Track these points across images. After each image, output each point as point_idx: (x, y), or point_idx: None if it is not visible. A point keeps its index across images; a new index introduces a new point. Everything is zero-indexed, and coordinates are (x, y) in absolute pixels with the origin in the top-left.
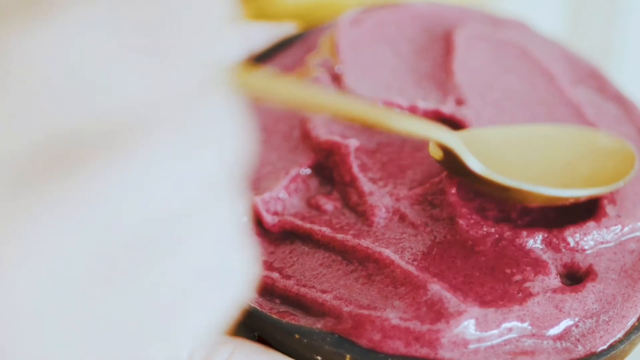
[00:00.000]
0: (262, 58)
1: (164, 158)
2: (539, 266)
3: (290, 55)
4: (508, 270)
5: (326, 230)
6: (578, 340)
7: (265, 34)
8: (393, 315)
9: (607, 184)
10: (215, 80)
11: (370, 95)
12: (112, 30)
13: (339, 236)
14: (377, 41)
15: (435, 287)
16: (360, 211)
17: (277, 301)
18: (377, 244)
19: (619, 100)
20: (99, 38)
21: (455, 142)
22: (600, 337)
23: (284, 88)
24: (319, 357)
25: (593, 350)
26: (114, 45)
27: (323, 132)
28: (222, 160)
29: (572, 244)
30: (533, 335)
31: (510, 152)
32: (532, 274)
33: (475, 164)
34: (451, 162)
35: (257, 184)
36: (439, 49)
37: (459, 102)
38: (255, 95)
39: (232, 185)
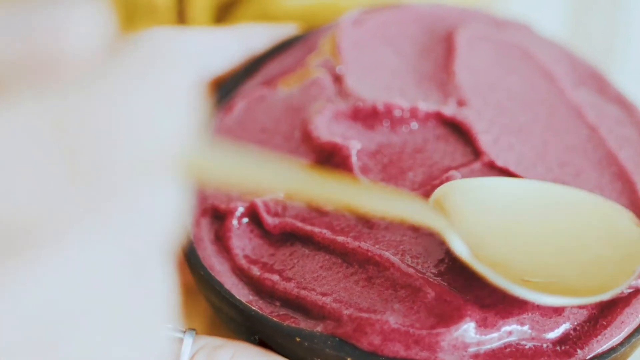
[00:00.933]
0: (263, 59)
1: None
2: None
3: (291, 56)
4: None
5: (326, 232)
6: (576, 343)
7: (266, 35)
8: (393, 319)
9: (605, 287)
10: (160, 164)
11: (371, 96)
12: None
13: (340, 238)
14: (379, 42)
15: (435, 290)
16: (360, 213)
17: (278, 304)
18: (377, 246)
19: (620, 102)
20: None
21: (442, 224)
22: (598, 341)
23: (240, 172)
24: None
25: (592, 354)
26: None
27: (324, 133)
28: (152, 235)
29: None
30: (533, 338)
31: (510, 221)
32: None
33: (461, 248)
34: None
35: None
36: (441, 50)
37: (461, 103)
38: (207, 179)
39: (160, 261)
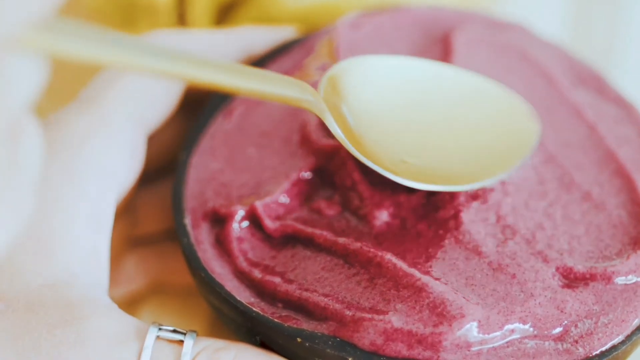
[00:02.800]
0: (262, 62)
1: None
2: (540, 267)
3: (290, 59)
4: (509, 272)
5: (328, 234)
6: (577, 342)
7: (265, 38)
8: (395, 319)
9: (490, 173)
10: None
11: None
12: None
13: (341, 240)
14: (377, 44)
15: (437, 290)
16: (361, 215)
17: (280, 305)
18: (378, 247)
19: (619, 101)
20: None
21: (318, 104)
22: (599, 339)
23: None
24: None
25: (593, 351)
26: None
27: (324, 136)
28: None
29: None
30: (535, 336)
31: (404, 101)
32: (534, 275)
33: (336, 129)
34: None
35: (258, 188)
36: (438, 51)
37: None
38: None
39: None
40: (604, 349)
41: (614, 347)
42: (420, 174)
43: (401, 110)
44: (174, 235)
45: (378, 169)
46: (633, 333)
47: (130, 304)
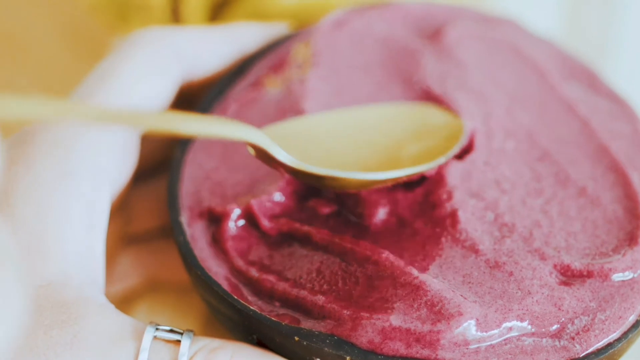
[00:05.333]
0: (254, 59)
1: None
2: (537, 264)
3: (280, 55)
4: (506, 270)
5: (324, 232)
6: (574, 338)
7: (258, 35)
8: (393, 317)
9: (431, 160)
10: None
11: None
12: None
13: (338, 238)
14: (359, 43)
15: (435, 288)
16: (358, 213)
17: (277, 304)
18: (375, 245)
19: (611, 96)
20: None
21: (259, 136)
22: (596, 335)
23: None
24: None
25: (590, 349)
26: None
27: None
28: None
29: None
30: (533, 334)
31: (330, 139)
32: (531, 272)
33: (282, 155)
34: (266, 156)
35: (254, 186)
36: (430, 47)
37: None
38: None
39: None
40: (600, 345)
41: (610, 344)
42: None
43: (333, 151)
44: (168, 233)
45: (347, 174)
46: (630, 330)
47: (124, 302)
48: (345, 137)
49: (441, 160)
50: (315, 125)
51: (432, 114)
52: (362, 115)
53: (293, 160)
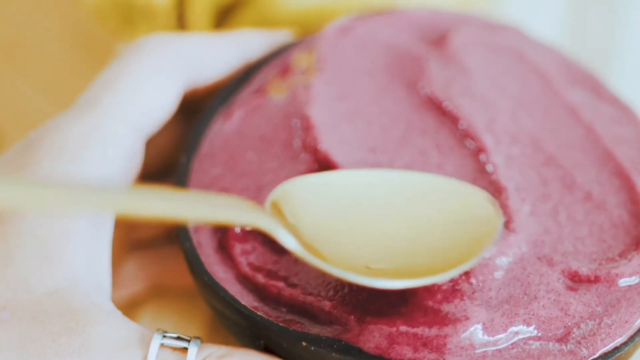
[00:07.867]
0: (259, 66)
1: None
2: (545, 270)
3: (282, 62)
4: (513, 273)
5: None
6: (581, 343)
7: (263, 42)
8: (400, 322)
9: (451, 268)
10: None
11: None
12: None
13: None
14: (364, 50)
15: (442, 293)
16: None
17: (284, 310)
18: None
19: (614, 101)
20: None
21: (267, 221)
22: (602, 340)
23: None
24: None
25: (597, 353)
26: None
27: (325, 143)
28: None
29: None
30: (539, 338)
31: (356, 209)
32: (538, 278)
33: (289, 242)
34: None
35: (259, 192)
36: (434, 54)
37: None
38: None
39: None
40: (607, 349)
41: (617, 348)
42: (385, 274)
43: (355, 220)
44: (173, 239)
45: (348, 274)
46: (636, 334)
47: (130, 307)
48: (372, 210)
49: (460, 269)
50: (344, 187)
51: (472, 201)
52: (397, 184)
53: (299, 249)
